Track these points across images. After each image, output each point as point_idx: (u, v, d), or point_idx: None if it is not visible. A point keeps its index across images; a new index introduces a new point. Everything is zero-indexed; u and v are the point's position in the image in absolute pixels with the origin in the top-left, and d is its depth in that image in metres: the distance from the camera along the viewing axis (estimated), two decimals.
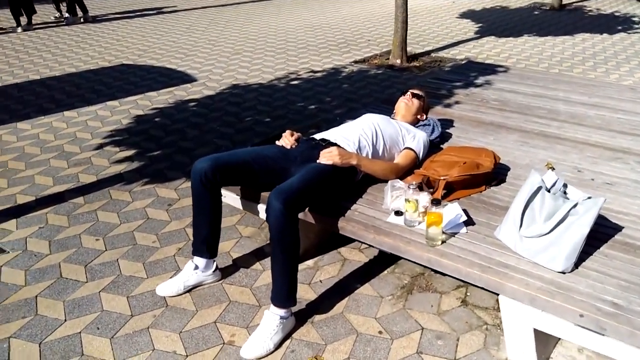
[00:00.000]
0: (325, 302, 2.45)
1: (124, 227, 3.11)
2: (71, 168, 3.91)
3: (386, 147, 2.62)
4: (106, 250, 2.89)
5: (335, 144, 2.49)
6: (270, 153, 2.47)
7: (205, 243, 2.47)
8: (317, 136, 2.60)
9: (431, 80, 4.21)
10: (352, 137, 2.55)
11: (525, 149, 2.93)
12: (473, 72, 4.39)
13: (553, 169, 2.69)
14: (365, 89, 5.57)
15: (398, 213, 2.28)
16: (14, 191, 3.58)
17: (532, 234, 1.98)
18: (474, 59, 6.78)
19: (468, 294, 2.47)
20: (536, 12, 10.26)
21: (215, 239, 2.49)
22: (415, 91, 3.00)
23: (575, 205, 1.95)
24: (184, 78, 6.16)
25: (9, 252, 2.90)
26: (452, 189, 2.46)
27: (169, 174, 3.77)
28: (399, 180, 2.41)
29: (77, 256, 2.84)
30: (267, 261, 2.76)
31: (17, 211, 3.32)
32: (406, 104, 2.92)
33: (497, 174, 2.60)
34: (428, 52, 7.15)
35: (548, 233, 1.96)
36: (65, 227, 3.13)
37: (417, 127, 2.95)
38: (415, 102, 2.94)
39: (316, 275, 2.63)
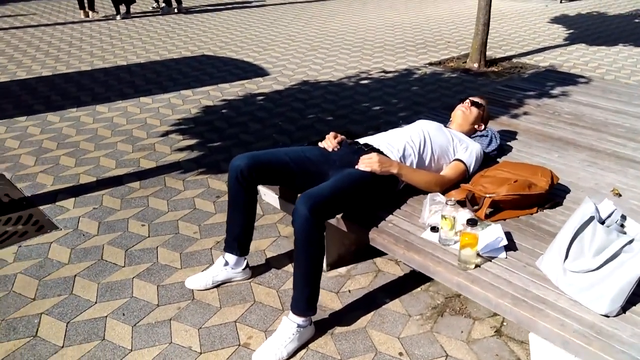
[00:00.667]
0: (350, 314, 2.34)
1: (171, 215, 3.16)
2: (135, 153, 4.04)
3: (434, 157, 2.46)
4: (149, 236, 2.94)
5: (377, 150, 2.37)
6: (311, 155, 2.39)
7: (237, 240, 2.44)
8: (361, 141, 2.49)
9: (502, 88, 3.95)
10: (397, 144, 2.42)
11: (593, 170, 2.66)
12: (550, 81, 4.07)
13: (619, 195, 2.42)
14: (435, 92, 5.36)
15: (434, 229, 2.13)
16: (78, 171, 3.75)
17: (578, 269, 1.77)
18: (559, 67, 6.33)
19: (505, 323, 2.28)
20: (637, 20, 9.44)
21: (248, 237, 2.45)
22: (475, 99, 2.80)
23: (631, 242, 1.72)
24: (258, 72, 6.22)
25: (61, 230, 3.03)
26: (499, 209, 2.27)
27: (223, 166, 3.79)
28: (439, 194, 2.25)
29: (121, 240, 2.91)
30: None
31: (77, 190, 3.47)
32: (463, 112, 2.74)
33: (554, 195, 2.38)
34: (510, 57, 6.77)
35: (596, 269, 1.74)
36: (117, 210, 3.22)
37: (473, 137, 2.76)
38: (474, 110, 2.75)
39: (346, 284, 2.53)
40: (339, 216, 2.29)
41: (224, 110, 4.93)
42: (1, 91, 5.58)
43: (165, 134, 4.40)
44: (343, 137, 2.52)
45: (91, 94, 5.44)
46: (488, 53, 6.30)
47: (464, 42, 7.62)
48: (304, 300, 2.08)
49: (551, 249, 1.89)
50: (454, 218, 2.03)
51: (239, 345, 2.17)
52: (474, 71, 6.08)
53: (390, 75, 5.99)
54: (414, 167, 2.40)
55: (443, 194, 2.32)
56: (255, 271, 2.62)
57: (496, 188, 2.25)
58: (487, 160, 2.67)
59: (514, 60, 6.64)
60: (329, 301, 2.41)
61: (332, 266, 2.64)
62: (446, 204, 2.03)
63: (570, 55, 6.96)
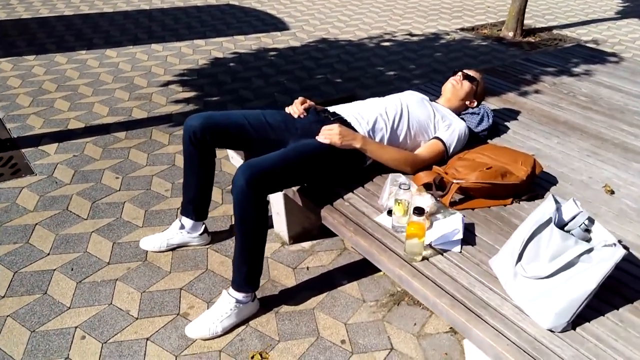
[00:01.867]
0: (302, 293, 2.21)
1: (147, 169, 3.07)
2: (130, 101, 3.94)
3: (410, 133, 2.26)
4: (119, 190, 2.87)
5: (344, 121, 2.18)
6: (272, 120, 2.22)
7: (191, 204, 2.32)
8: (331, 109, 2.30)
9: (520, 61, 3.63)
10: (368, 116, 2.22)
11: (591, 161, 2.40)
12: (576, 57, 3.72)
13: (612, 192, 2.17)
14: (458, 61, 5.03)
15: (390, 213, 1.96)
16: (70, 115, 3.69)
17: (530, 274, 1.57)
18: (602, 42, 5.85)
19: None
20: None
21: (204, 201, 2.33)
22: (469, 72, 2.55)
23: (589, 251, 1.51)
24: (278, 25, 5.98)
25: (36, 175, 2.98)
26: (469, 196, 2.06)
27: None
28: (402, 175, 2.06)
29: (91, 191, 2.84)
30: None
31: (63, 136, 3.41)
32: (454, 86, 2.50)
33: (536, 186, 2.15)
34: (550, 28, 6.29)
35: (547, 277, 1.55)
36: (96, 159, 3.15)
37: (463, 114, 2.53)
38: (466, 85, 2.50)
39: (306, 260, 2.40)
40: (295, 189, 2.13)
41: (231, 64, 4.76)
42: (20, 27, 5.56)
43: (166, 84, 4.28)
44: (312, 103, 2.33)
45: (105, 37, 5.36)
46: (528, 22, 5.88)
47: (505, 8, 7.13)
48: (242, 275, 1.96)
49: (506, 247, 1.69)
50: (408, 203, 1.85)
51: (178, 314, 2.09)
52: (507, 40, 5.68)
53: (415, 38, 5.66)
54: (385, 142, 2.20)
55: (414, 174, 2.13)
56: (217, 237, 2.51)
57: (469, 173, 2.04)
58: (474, 140, 2.45)
59: (555, 31, 6.18)
60: (283, 277, 2.29)
61: (295, 240, 2.50)
62: (399, 187, 1.84)
63: (618, 30, 6.42)
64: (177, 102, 3.96)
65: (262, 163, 1.87)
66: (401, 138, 2.25)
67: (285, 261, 2.38)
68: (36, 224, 2.57)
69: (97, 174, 3.01)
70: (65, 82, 4.25)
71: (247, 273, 1.96)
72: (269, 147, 2.18)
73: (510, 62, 3.60)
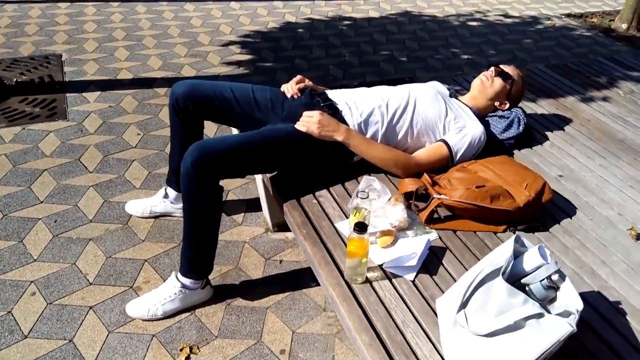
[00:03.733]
0: (263, 288, 2.06)
1: (167, 130, 3.03)
2: (185, 58, 3.93)
3: (411, 132, 1.98)
4: (135, 147, 2.86)
5: (334, 108, 1.95)
6: (260, 97, 2.04)
7: (175, 175, 2.23)
8: (330, 93, 2.07)
9: (602, 60, 3.10)
10: (363, 106, 1.96)
11: (632, 194, 1.97)
12: None
13: (638, 238, 1.76)
14: (548, 50, 4.45)
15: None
16: (123, 65, 3.74)
17: (471, 327, 1.30)
18: None
19: None
20: None
21: None
22: (505, 68, 2.18)
23: (539, 315, 1.20)
24: None
25: (68, 121, 3.06)
26: (455, 215, 1.77)
27: None
28: (375, 179, 1.80)
29: (108, 145, 2.86)
30: (253, 215, 2.43)
31: (109, 85, 3.47)
32: (482, 82, 2.15)
33: (544, 214, 1.80)
34: None
35: (487, 336, 1.26)
36: (128, 112, 3.17)
37: (489, 117, 2.18)
38: (498, 83, 2.14)
39: (283, 253, 2.23)
40: (269, 175, 1.95)
41: (300, 30, 4.58)
42: None
43: (227, 44, 4.21)
44: (309, 83, 2.11)
45: None
46: None
47: None
48: (187, 261, 1.84)
49: (454, 287, 1.41)
50: (368, 213, 1.61)
51: (131, 287, 2.03)
52: (617, 33, 4.94)
53: (508, 20, 5.11)
54: (378, 138, 1.94)
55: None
56: None
57: (457, 189, 1.75)
58: (497, 148, 2.11)
59: None
60: (252, 267, 2.15)
61: (280, 228, 2.34)
62: (357, 194, 1.60)
63: None
64: (229, 64, 3.87)
65: (216, 145, 1.70)
66: (400, 135, 1.97)
67: (261, 249, 2.23)
68: (45, 169, 2.63)
69: (122, 127, 3.02)
70: (135, 31, 4.32)
71: (191, 259, 1.83)
72: (254, 125, 2.02)
73: (589, 60, 3.08)
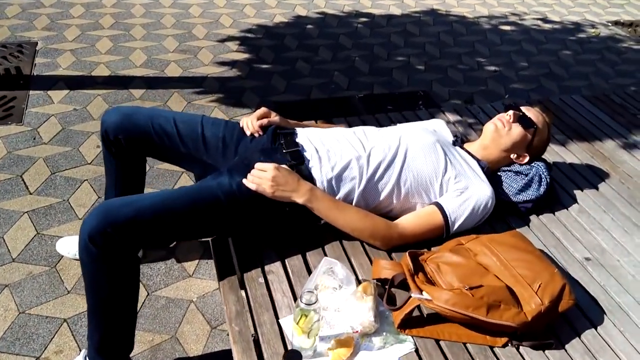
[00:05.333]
0: None
1: None
2: (173, 53, 3.51)
3: (398, 191, 1.54)
4: (89, 164, 2.47)
5: (300, 156, 1.52)
6: (210, 136, 1.62)
7: None
8: (301, 134, 1.62)
9: None
10: (337, 156, 1.52)
11: None
12: None
13: None
14: (589, 65, 3.90)
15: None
16: (102, 59, 3.35)
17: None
18: None
19: None
20: None
21: None
22: (527, 112, 1.71)
23: None
24: None
25: (22, 125, 2.69)
26: (441, 317, 1.33)
27: (245, 98, 3.11)
28: (338, 262, 1.36)
29: (60, 159, 2.48)
30: (209, 264, 2.02)
31: (80, 83, 3.09)
32: (497, 129, 1.68)
33: (560, 324, 1.35)
34: None
35: None
36: (92, 119, 2.79)
37: (503, 171, 1.72)
38: (516, 130, 1.67)
39: None
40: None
41: (309, 26, 4.12)
42: None
43: (225, 39, 3.77)
44: (275, 119, 1.67)
45: None
46: None
47: None
48: (94, 343, 1.44)
49: None
50: (318, 320, 1.18)
51: (37, 358, 1.64)
52: None
53: (547, 26, 4.54)
54: (354, 198, 1.51)
55: (389, 253, 1.43)
56: (151, 255, 2.01)
57: (441, 290, 1.31)
58: (508, 211, 1.66)
59: None
60: (193, 338, 1.75)
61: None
62: (300, 298, 1.17)
63: None
64: (221, 63, 3.45)
65: (122, 210, 1.29)
66: (382, 195, 1.53)
67: (209, 312, 1.83)
68: None
69: (82, 137, 2.64)
70: (125, 18, 3.91)
71: (99, 342, 1.43)
72: (202, 170, 1.62)
73: (637, 91, 2.56)
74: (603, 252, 1.61)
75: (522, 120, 1.68)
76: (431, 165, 1.56)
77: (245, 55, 3.58)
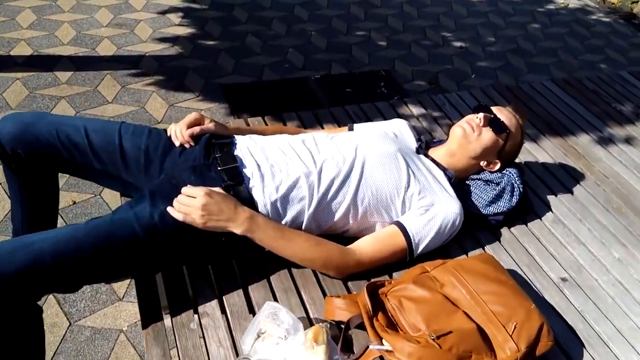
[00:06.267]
0: None
1: None
2: (106, 28, 3.15)
3: (354, 211, 1.32)
4: None
5: (238, 175, 1.27)
6: (131, 147, 1.35)
7: None
8: (239, 144, 1.37)
9: (629, 79, 2.41)
10: (283, 174, 1.29)
11: None
12: None
13: None
14: (558, 40, 3.73)
15: None
16: (23, 35, 2.99)
17: None
18: None
19: None
20: None
21: None
22: (499, 113, 1.50)
23: None
24: None
25: None
26: None
27: (188, 80, 2.81)
28: (283, 308, 1.14)
29: None
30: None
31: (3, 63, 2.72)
32: (466, 134, 1.47)
33: None
34: None
35: None
36: (10, 108, 2.44)
37: (471, 179, 1.52)
38: (487, 136, 1.46)
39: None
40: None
41: None
42: None
43: (166, 10, 3.42)
44: (209, 127, 1.41)
45: None
46: None
47: None
48: None
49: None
50: None
51: None
52: None
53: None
54: (303, 222, 1.28)
55: (345, 281, 1.22)
56: None
57: (411, 324, 1.11)
58: (479, 224, 1.47)
59: None
60: None
61: None
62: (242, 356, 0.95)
63: None
64: (161, 40, 3.11)
65: (14, 257, 1.03)
66: (337, 216, 1.31)
67: (141, 344, 1.59)
68: None
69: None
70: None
71: None
72: (123, 188, 1.36)
73: (610, 78, 2.39)
74: (580, 271, 1.44)
75: (494, 123, 1.47)
76: (392, 179, 1.34)
77: (189, 30, 3.25)
